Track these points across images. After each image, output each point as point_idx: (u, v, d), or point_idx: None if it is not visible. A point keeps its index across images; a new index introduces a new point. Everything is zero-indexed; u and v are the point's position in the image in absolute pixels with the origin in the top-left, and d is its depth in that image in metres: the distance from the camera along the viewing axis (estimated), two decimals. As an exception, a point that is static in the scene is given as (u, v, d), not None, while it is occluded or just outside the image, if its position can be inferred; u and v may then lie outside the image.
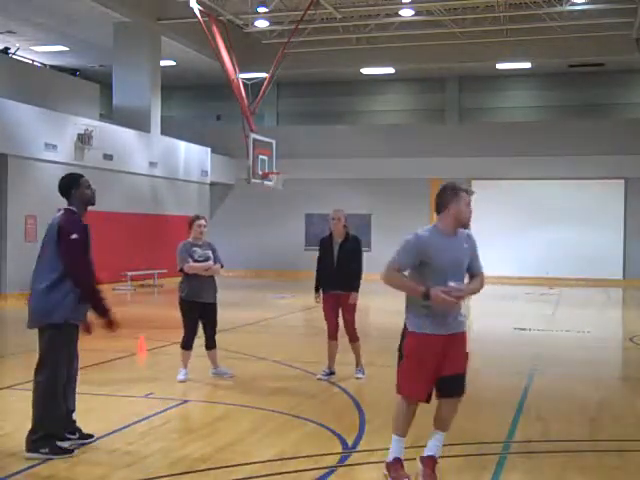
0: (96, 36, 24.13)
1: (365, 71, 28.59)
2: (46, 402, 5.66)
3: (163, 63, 24.66)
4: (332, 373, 8.77)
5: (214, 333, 8.70)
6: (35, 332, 5.88)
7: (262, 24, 24.51)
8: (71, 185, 5.90)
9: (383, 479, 5.24)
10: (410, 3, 22.86)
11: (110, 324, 5.84)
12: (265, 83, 21.73)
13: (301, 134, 28.47)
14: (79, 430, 5.98)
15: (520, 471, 5.52)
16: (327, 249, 8.75)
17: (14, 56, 24.61)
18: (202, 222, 8.66)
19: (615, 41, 24.40)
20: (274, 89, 29.54)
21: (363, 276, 8.83)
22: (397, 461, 5.16)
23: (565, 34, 24.02)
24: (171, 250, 9.52)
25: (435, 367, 5.06)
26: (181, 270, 8.53)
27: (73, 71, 27.57)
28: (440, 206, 5.17)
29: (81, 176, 6.03)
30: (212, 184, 27.18)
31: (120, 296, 19.52)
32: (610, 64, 27.11)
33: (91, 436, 6.03)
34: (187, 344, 8.56)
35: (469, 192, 5.20)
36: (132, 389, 8.12)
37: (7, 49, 24.53)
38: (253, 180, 20.58)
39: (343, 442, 6.12)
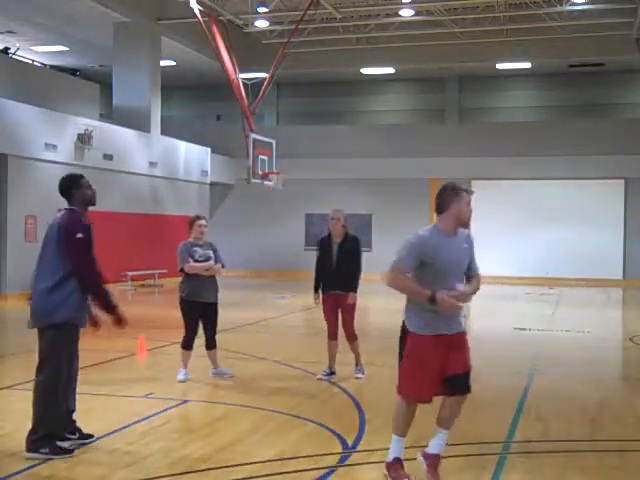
0: (96, 36, 24.13)
1: (365, 71, 28.59)
2: (46, 402, 5.66)
3: (163, 63, 24.66)
4: (332, 373, 8.77)
5: (214, 333, 8.70)
6: (35, 332, 5.89)
7: (262, 24, 24.51)
8: (72, 185, 5.91)
9: (383, 479, 5.24)
10: (410, 3, 22.86)
11: (119, 321, 5.88)
12: (265, 83, 21.73)
13: (301, 134, 28.46)
14: (79, 430, 5.99)
15: (520, 471, 5.52)
16: (326, 249, 8.74)
17: (14, 56, 24.61)
18: (203, 222, 8.66)
19: (615, 41, 24.40)
20: (274, 89, 29.54)
21: (363, 276, 8.83)
22: (397, 461, 5.17)
23: (565, 34, 24.02)
24: (171, 250, 9.52)
25: (439, 367, 5.05)
26: (182, 270, 8.53)
27: (73, 71, 27.56)
28: (441, 206, 5.17)
29: (81, 176, 6.04)
30: (212, 184, 27.18)
31: (120, 296, 19.52)
32: (610, 64, 27.11)
33: (91, 436, 6.03)
34: (187, 344, 8.56)
35: (469, 192, 5.21)
36: (132, 389, 8.12)
37: (7, 49, 24.52)
38: (253, 180, 20.59)
39: (343, 442, 6.13)
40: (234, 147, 26.16)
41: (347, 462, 5.67)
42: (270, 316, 15.49)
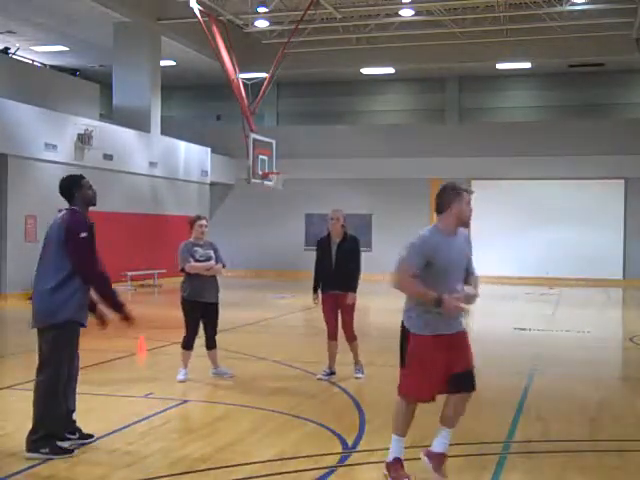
0: (96, 36, 24.13)
1: (365, 71, 28.59)
2: (47, 402, 5.66)
3: (163, 63, 24.66)
4: (332, 373, 8.77)
5: (215, 333, 8.70)
6: (34, 331, 5.89)
7: (262, 24, 24.51)
8: (73, 186, 5.92)
9: (383, 479, 5.24)
10: (410, 3, 22.86)
11: (127, 319, 5.92)
12: (265, 83, 21.73)
13: (301, 134, 28.46)
14: (79, 430, 5.99)
15: (520, 471, 5.52)
16: (325, 249, 8.74)
17: (14, 56, 24.61)
18: (203, 222, 8.67)
19: (615, 41, 24.40)
20: (274, 89, 29.54)
21: (363, 276, 8.82)
22: (397, 461, 5.17)
23: (565, 34, 24.02)
24: (171, 250, 9.52)
25: (441, 367, 5.05)
26: (182, 270, 8.54)
27: (73, 71, 27.56)
28: (441, 206, 5.17)
29: (82, 177, 6.06)
30: (212, 184, 27.18)
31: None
32: (610, 64, 27.11)
33: (91, 436, 6.04)
34: (188, 344, 8.56)
35: (469, 191, 5.22)
36: (132, 389, 8.12)
37: (7, 49, 24.52)
38: (253, 180, 20.59)
39: (343, 442, 6.13)
40: (234, 147, 26.16)
41: (347, 462, 5.67)
42: (270, 316, 15.49)
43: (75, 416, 6.00)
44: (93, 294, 5.92)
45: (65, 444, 5.74)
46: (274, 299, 19.42)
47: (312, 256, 8.93)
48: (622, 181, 26.24)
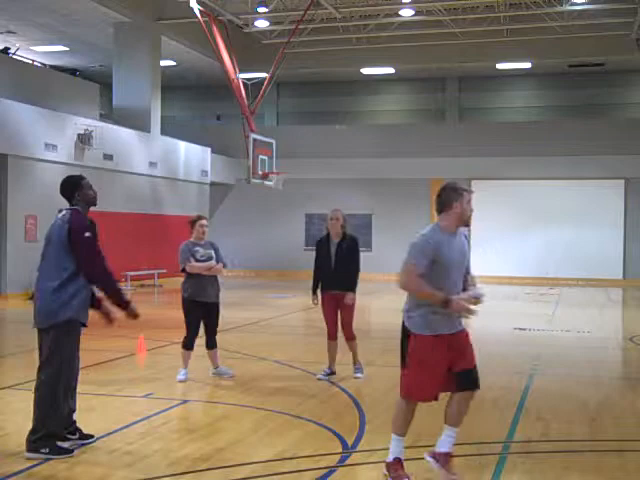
0: (96, 36, 24.14)
1: (365, 71, 28.59)
2: (48, 401, 5.67)
3: (163, 63, 24.66)
4: (332, 373, 8.76)
5: (215, 333, 8.70)
6: (34, 331, 5.89)
7: (262, 24, 24.52)
8: (74, 187, 5.95)
9: (383, 479, 5.24)
10: (410, 3, 22.87)
11: (134, 315, 5.95)
12: (265, 83, 21.73)
13: (301, 134, 28.47)
14: (79, 430, 5.99)
15: (520, 471, 5.52)
16: (324, 249, 8.72)
17: (14, 56, 24.61)
18: (204, 222, 8.68)
19: (615, 41, 24.40)
20: (274, 89, 29.55)
21: (364, 276, 8.82)
22: (397, 461, 5.16)
23: (565, 34, 24.02)
24: (171, 250, 9.53)
25: (444, 366, 5.06)
26: (183, 270, 8.54)
27: (73, 71, 27.55)
28: (442, 205, 5.18)
29: (83, 177, 6.08)
30: (212, 184, 27.18)
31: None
32: (610, 64, 27.11)
33: (91, 436, 6.04)
34: (189, 344, 8.57)
35: (469, 191, 5.24)
36: (132, 389, 8.12)
37: (7, 49, 24.52)
38: (253, 180, 20.59)
39: (343, 442, 6.12)
40: (234, 147, 26.18)
41: (347, 462, 5.66)
42: (270, 316, 15.49)
43: (75, 416, 6.00)
44: (98, 291, 5.96)
45: (65, 444, 5.74)
46: (274, 299, 19.42)
47: (312, 256, 8.92)
48: (622, 181, 26.24)
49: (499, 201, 26.15)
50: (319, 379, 8.67)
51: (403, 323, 5.22)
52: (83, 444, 5.90)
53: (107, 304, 5.94)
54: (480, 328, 13.30)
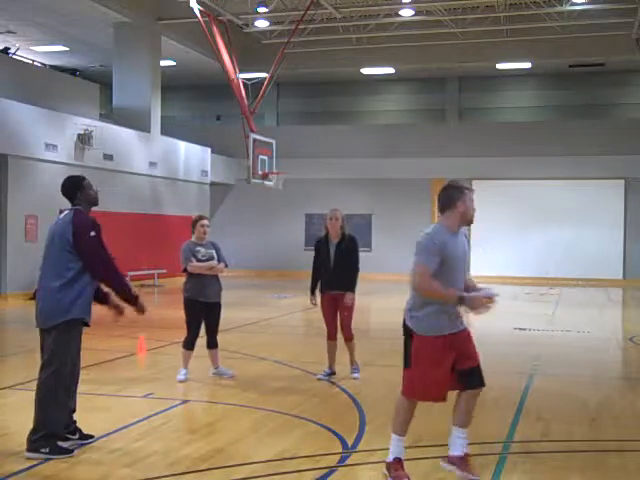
0: (96, 36, 24.14)
1: (365, 71, 28.58)
2: (49, 401, 5.67)
3: (163, 63, 24.65)
4: (332, 373, 8.76)
5: (216, 333, 8.71)
6: (37, 331, 5.90)
7: (262, 24, 24.52)
8: (76, 187, 5.98)
9: (383, 479, 5.24)
10: (410, 3, 22.87)
11: (141, 310, 6.01)
12: (265, 83, 21.73)
13: (301, 134, 28.48)
14: (79, 430, 5.99)
15: (520, 471, 5.52)
16: (323, 250, 8.71)
17: (14, 56, 24.61)
18: (205, 222, 8.70)
19: (615, 41, 24.40)
20: (274, 89, 29.54)
21: (364, 276, 8.81)
22: (397, 461, 5.16)
23: (565, 34, 24.02)
24: (171, 250, 9.54)
25: (448, 366, 5.06)
26: (185, 270, 8.55)
27: (73, 71, 27.56)
28: (445, 204, 5.18)
29: (84, 178, 6.11)
30: (212, 184, 27.18)
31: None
32: (610, 64, 27.10)
33: (91, 436, 6.04)
34: (189, 344, 8.57)
35: (471, 189, 5.25)
36: (132, 389, 8.12)
37: (7, 49, 24.52)
38: (253, 180, 20.59)
39: (343, 442, 6.12)
40: (234, 147, 26.18)
41: (347, 462, 5.66)
42: (270, 316, 15.49)
43: (75, 416, 6.00)
44: (105, 288, 6.00)
45: (65, 444, 5.74)
46: (274, 299, 19.43)
47: (312, 256, 8.91)
48: (622, 181, 26.24)
49: (499, 201, 26.14)
50: (319, 379, 8.67)
51: (404, 322, 5.22)
52: (83, 444, 5.90)
53: (115, 298, 6.00)
54: (480, 328, 13.29)
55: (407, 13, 23.67)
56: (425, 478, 5.31)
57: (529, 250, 26.58)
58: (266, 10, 22.97)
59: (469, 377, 5.13)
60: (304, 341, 12.88)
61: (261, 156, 21.08)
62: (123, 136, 21.99)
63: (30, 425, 5.71)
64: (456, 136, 27.72)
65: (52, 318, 5.73)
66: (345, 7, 23.31)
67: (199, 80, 29.89)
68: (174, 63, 26.91)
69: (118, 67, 23.47)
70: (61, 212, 5.98)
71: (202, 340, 8.70)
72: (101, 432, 6.21)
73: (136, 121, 22.84)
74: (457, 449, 5.18)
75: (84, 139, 19.74)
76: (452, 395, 5.24)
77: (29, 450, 5.62)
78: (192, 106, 32.94)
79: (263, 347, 11.20)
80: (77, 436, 5.94)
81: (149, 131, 23.32)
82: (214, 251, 8.65)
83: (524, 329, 13.68)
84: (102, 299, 6.03)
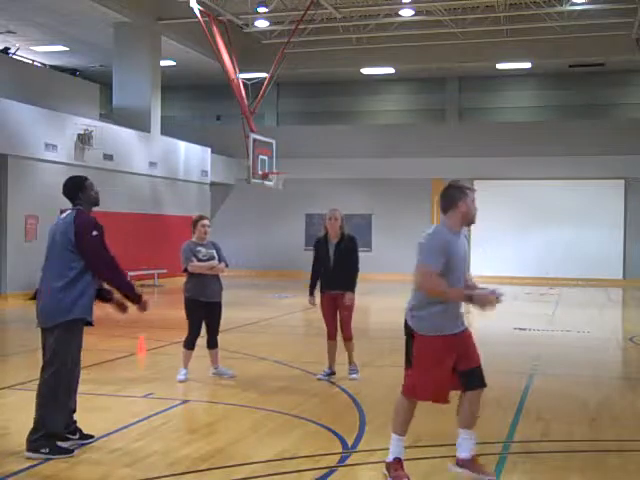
0: (96, 36, 24.13)
1: (365, 71, 28.57)
2: (50, 401, 5.68)
3: (163, 63, 24.65)
4: (332, 373, 8.76)
5: (217, 332, 8.71)
6: (37, 331, 5.90)
7: (262, 24, 24.51)
8: (77, 187, 6.00)
9: (383, 479, 5.24)
10: (410, 3, 22.86)
11: (144, 308, 6.05)
12: (265, 83, 21.73)
13: (301, 134, 28.48)
14: (79, 430, 5.99)
15: (520, 471, 5.52)
16: (323, 249, 8.72)
17: (14, 56, 24.61)
18: (206, 222, 8.71)
19: (615, 41, 24.39)
20: (274, 89, 29.54)
21: (364, 276, 8.81)
22: (397, 461, 5.17)
23: (565, 34, 24.02)
24: (171, 250, 9.54)
25: (450, 366, 5.07)
26: (185, 270, 8.55)
27: (73, 71, 27.56)
28: (447, 205, 5.18)
29: (86, 178, 6.13)
30: (212, 184, 27.18)
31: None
32: (610, 64, 27.10)
33: (91, 437, 6.04)
34: (190, 344, 8.57)
35: (472, 189, 5.25)
36: (132, 389, 8.12)
37: (7, 49, 24.52)
38: (253, 180, 20.59)
39: (343, 442, 6.12)
40: (234, 147, 26.17)
41: (347, 462, 5.66)
42: (270, 316, 15.49)
43: (75, 416, 6.00)
44: (107, 286, 6.04)
45: (65, 444, 5.74)
46: (274, 299, 19.43)
47: (312, 256, 8.91)
48: (622, 181, 26.24)
49: (499, 201, 26.12)
50: (319, 379, 8.67)
51: (406, 322, 5.22)
52: (83, 444, 5.90)
53: (118, 296, 6.04)
54: (480, 328, 13.31)
55: (407, 13, 23.67)
56: (425, 478, 5.31)
57: (529, 250, 26.58)
58: (266, 10, 22.96)
59: (470, 378, 5.13)
60: (304, 341, 12.88)
61: (261, 156, 21.08)
62: (123, 136, 21.99)
63: (30, 425, 5.72)
64: (456, 136, 27.72)
65: (54, 317, 5.73)
66: (345, 7, 23.31)
67: (199, 80, 29.89)
68: (174, 63, 26.91)
69: (118, 67, 23.47)
70: (61, 212, 5.99)
71: (202, 340, 8.70)
72: (101, 432, 6.21)
73: (136, 121, 22.84)
74: (464, 451, 5.18)
75: (84, 139, 19.73)
76: (454, 397, 5.24)
77: (29, 450, 5.62)
78: (192, 106, 32.94)
79: (263, 347, 11.20)
80: (77, 436, 5.94)
81: (149, 131, 23.32)
82: (215, 251, 8.66)
83: (524, 329, 13.68)
84: (105, 297, 6.08)
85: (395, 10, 23.75)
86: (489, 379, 5.26)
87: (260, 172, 20.95)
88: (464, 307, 5.30)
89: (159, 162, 23.67)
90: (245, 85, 21.64)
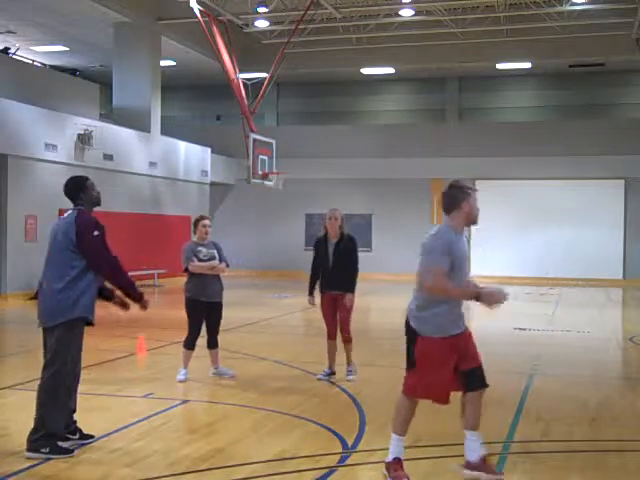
0: (96, 36, 24.13)
1: (365, 71, 28.57)
2: (50, 401, 5.68)
3: (163, 63, 24.65)
4: (332, 373, 8.76)
5: (217, 332, 8.71)
6: (37, 331, 5.91)
7: (262, 24, 24.51)
8: (79, 188, 6.02)
9: (383, 479, 5.24)
10: (410, 3, 22.86)
11: (145, 306, 6.11)
12: (265, 83, 21.73)
13: (301, 134, 28.47)
14: (79, 430, 5.99)
15: (520, 471, 5.52)
16: (322, 249, 8.71)
17: (14, 56, 24.61)
18: (207, 222, 8.71)
19: (615, 41, 24.39)
20: (274, 89, 29.53)
21: (364, 276, 8.80)
22: (397, 461, 5.16)
23: (565, 34, 24.02)
24: (171, 250, 9.54)
25: (453, 366, 5.08)
26: (186, 270, 8.56)
27: (73, 71, 27.56)
28: (450, 205, 5.19)
29: (87, 178, 6.15)
30: (212, 184, 27.18)
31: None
32: (610, 64, 27.10)
33: (91, 437, 6.04)
34: (190, 343, 8.57)
35: (475, 189, 5.27)
36: (132, 389, 8.13)
37: (7, 49, 24.52)
38: (253, 180, 20.59)
39: (343, 442, 6.13)
40: (234, 147, 26.17)
41: (347, 462, 5.67)
42: (270, 316, 15.49)
43: (75, 416, 6.00)
44: (109, 285, 6.06)
45: (65, 444, 5.74)
46: (274, 299, 19.43)
47: (312, 256, 8.91)
48: (622, 181, 26.23)
49: (499, 201, 26.10)
50: (319, 379, 8.67)
51: (407, 323, 5.21)
52: (83, 444, 5.90)
53: (120, 295, 6.08)
54: (480, 328, 13.31)
55: (407, 13, 23.67)
56: (425, 478, 5.31)
57: (529, 250, 26.57)
58: (266, 10, 22.96)
59: (471, 378, 5.13)
60: (304, 341, 12.88)
61: (261, 156, 21.07)
62: (123, 136, 21.99)
63: (30, 425, 5.72)
64: (456, 136, 27.72)
65: (55, 317, 5.74)
66: (345, 7, 23.31)
67: (199, 80, 29.89)
68: (174, 63, 26.91)
69: (118, 67, 23.47)
70: (61, 212, 5.99)
71: (202, 340, 8.70)
72: (101, 432, 6.21)
73: (136, 121, 22.84)
74: (474, 454, 5.17)
75: (84, 139, 19.73)
76: (454, 398, 5.24)
77: (29, 450, 5.63)
78: (192, 106, 32.94)
79: (263, 347, 11.20)
80: (77, 436, 5.94)
81: (149, 131, 23.32)
82: (215, 251, 8.67)
83: (524, 329, 13.68)
84: (106, 296, 6.11)
85: (395, 10, 23.75)
86: (489, 379, 5.26)
87: (260, 172, 20.95)
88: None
89: (159, 162, 23.66)
90: (245, 85, 21.64)
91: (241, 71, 22.15)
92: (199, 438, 6.26)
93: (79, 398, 6.08)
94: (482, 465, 5.15)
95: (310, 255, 8.94)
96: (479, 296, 4.97)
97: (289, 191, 24.98)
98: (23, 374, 8.65)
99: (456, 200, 5.17)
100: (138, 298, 6.03)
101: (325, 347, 8.82)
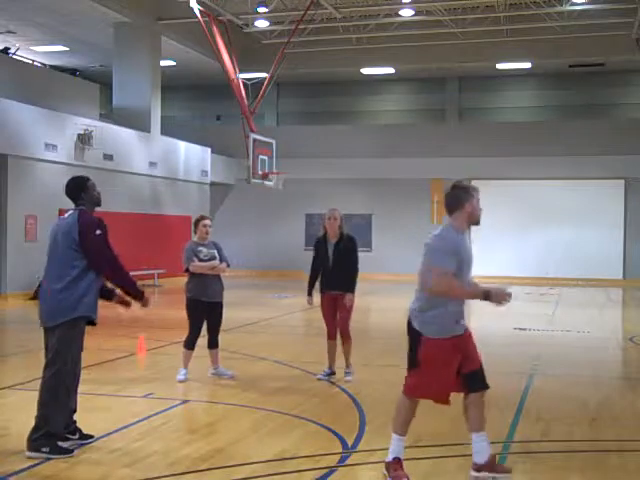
0: (96, 36, 24.13)
1: (365, 71, 28.57)
2: (51, 400, 5.68)
3: (163, 63, 24.65)
4: (332, 373, 8.76)
5: (218, 332, 8.71)
6: (37, 331, 5.90)
7: (262, 24, 24.51)
8: (80, 188, 6.03)
9: (383, 479, 5.24)
10: (410, 3, 22.87)
11: (146, 304, 6.13)
12: (265, 83, 21.73)
13: (301, 134, 28.48)
14: (79, 430, 6.00)
15: (520, 471, 5.52)
16: (322, 249, 8.71)
17: (14, 56, 24.60)
18: (207, 222, 8.71)
19: (615, 41, 24.39)
20: (274, 89, 29.53)
21: (364, 276, 8.79)
22: (397, 461, 5.16)
23: (565, 34, 24.02)
24: (171, 250, 9.54)
25: (456, 367, 5.08)
26: (187, 270, 8.56)
27: (73, 71, 27.55)
28: (453, 206, 5.19)
29: (88, 179, 6.16)
30: (212, 184, 27.18)
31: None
32: (610, 64, 27.10)
33: (91, 437, 6.04)
34: (190, 343, 8.57)
35: (477, 190, 5.27)
36: (132, 389, 8.12)
37: (7, 49, 24.52)
38: (253, 180, 20.59)
39: (343, 442, 6.12)
40: (234, 147, 26.17)
41: (347, 462, 5.67)
42: (270, 316, 15.49)
43: (75, 416, 6.00)
44: (109, 284, 6.08)
45: (65, 444, 5.75)
46: (274, 299, 19.43)
47: (312, 256, 8.91)
48: (622, 181, 26.24)
49: (499, 201, 26.08)
50: (319, 379, 8.66)
51: (409, 323, 5.20)
52: (83, 444, 5.90)
53: (121, 293, 6.11)
54: (480, 328, 13.31)
55: (407, 13, 23.67)
56: (425, 478, 5.31)
57: (529, 250, 26.57)
58: (266, 10, 22.96)
59: (472, 380, 5.13)
60: (304, 341, 12.88)
61: (261, 156, 21.08)
62: (123, 136, 21.99)
63: (30, 425, 5.72)
64: (456, 136, 27.72)
65: (56, 317, 5.75)
66: (345, 7, 23.31)
67: (199, 80, 29.89)
68: (174, 63, 26.91)
69: (118, 67, 23.47)
70: (62, 212, 6.00)
71: (202, 340, 8.70)
72: (101, 432, 6.21)
73: (136, 121, 22.84)
74: (482, 455, 5.17)
75: (84, 139, 19.73)
76: (455, 398, 5.24)
77: (29, 449, 5.63)
78: (192, 106, 32.94)
79: (263, 347, 11.20)
80: (77, 436, 5.94)
81: (149, 131, 23.32)
82: (216, 251, 8.67)
83: (524, 329, 13.68)
84: (108, 295, 6.12)
85: (395, 10, 23.75)
86: (489, 379, 5.27)
87: (260, 172, 20.95)
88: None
89: (159, 162, 23.67)
90: (245, 85, 21.64)
91: (241, 71, 22.15)
92: (199, 438, 6.26)
93: (79, 398, 6.08)
94: (491, 466, 5.16)
95: (310, 255, 8.93)
96: (489, 295, 4.96)
97: (289, 191, 24.98)
98: (23, 374, 8.65)
99: (459, 200, 5.17)
100: (139, 296, 6.06)
101: (325, 347, 8.82)
